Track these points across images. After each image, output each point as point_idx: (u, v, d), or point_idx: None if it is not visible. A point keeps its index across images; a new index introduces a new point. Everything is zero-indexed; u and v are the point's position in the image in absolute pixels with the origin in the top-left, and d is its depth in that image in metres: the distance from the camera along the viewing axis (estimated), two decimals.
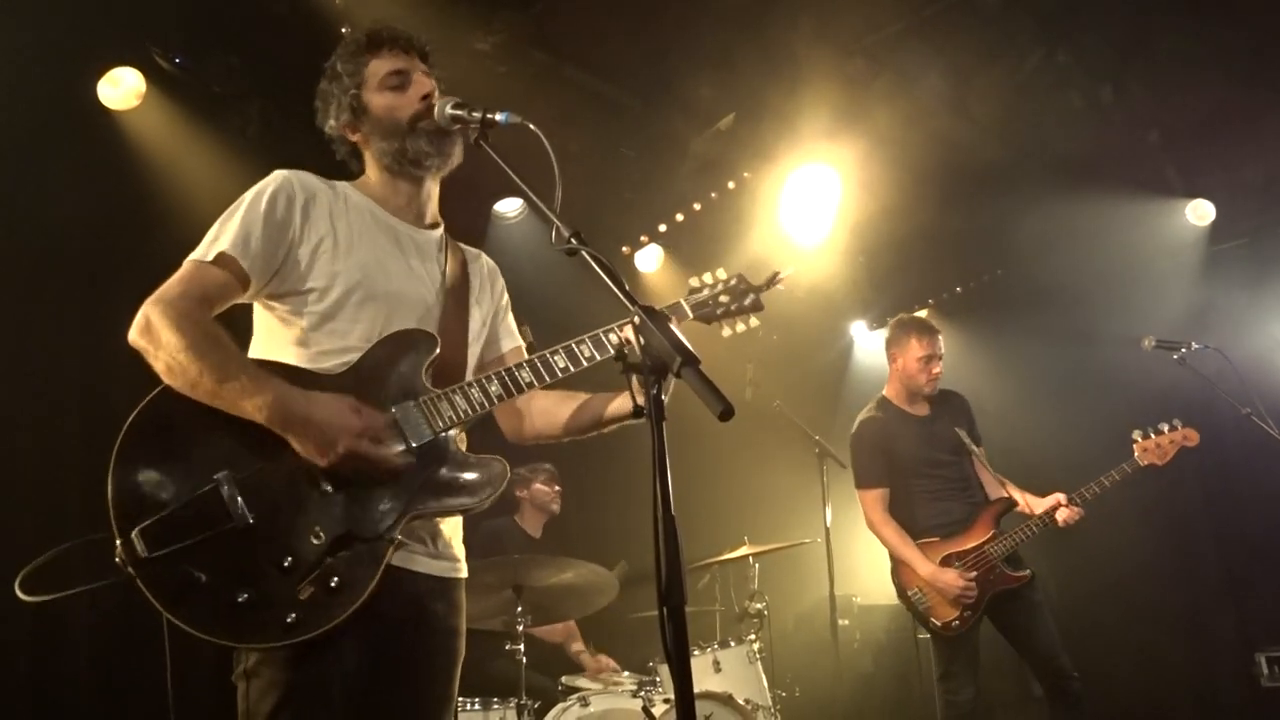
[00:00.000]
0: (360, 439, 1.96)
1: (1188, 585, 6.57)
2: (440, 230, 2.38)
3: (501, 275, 2.56)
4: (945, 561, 4.50)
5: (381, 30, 2.31)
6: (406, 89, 2.26)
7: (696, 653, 4.60)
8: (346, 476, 1.98)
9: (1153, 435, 4.55)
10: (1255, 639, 6.21)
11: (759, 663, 4.77)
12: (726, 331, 2.55)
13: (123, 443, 1.90)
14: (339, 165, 2.38)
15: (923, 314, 8.06)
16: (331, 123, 2.33)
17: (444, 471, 2.11)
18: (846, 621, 6.50)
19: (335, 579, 1.92)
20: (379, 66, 2.28)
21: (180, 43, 4.73)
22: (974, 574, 4.44)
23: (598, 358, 2.25)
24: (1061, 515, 4.49)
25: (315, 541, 1.93)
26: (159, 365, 1.97)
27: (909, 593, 4.57)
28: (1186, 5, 5.22)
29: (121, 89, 4.66)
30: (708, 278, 2.52)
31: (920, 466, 4.70)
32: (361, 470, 1.98)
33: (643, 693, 4.32)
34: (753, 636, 4.88)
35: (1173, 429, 4.54)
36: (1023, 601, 4.51)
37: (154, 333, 1.98)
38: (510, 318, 2.54)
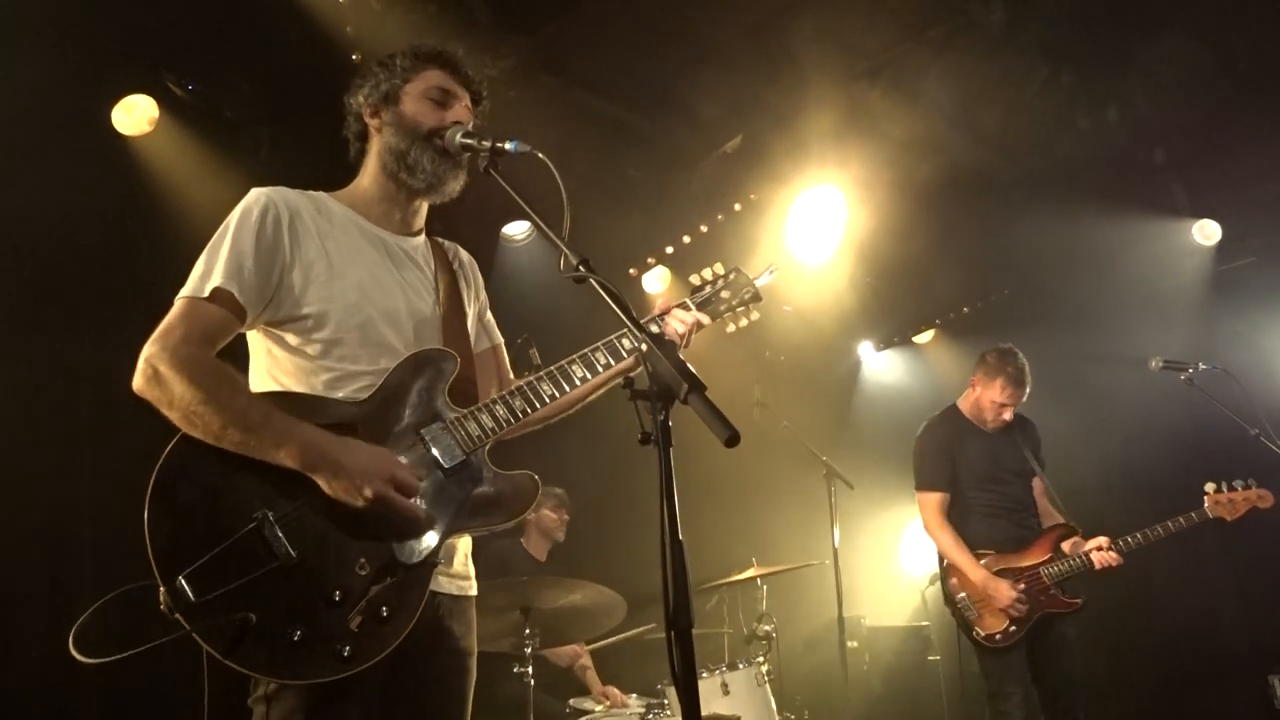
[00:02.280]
0: (386, 485, 1.95)
1: (1201, 608, 6.53)
2: (423, 237, 2.39)
3: (482, 276, 2.57)
4: (999, 575, 4.53)
5: (454, 54, 2.36)
6: (444, 109, 2.29)
7: (704, 675, 4.59)
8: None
9: (1225, 490, 4.52)
10: (1269, 662, 6.16)
11: (767, 685, 4.76)
12: (731, 327, 2.59)
13: (155, 488, 1.87)
14: (348, 183, 2.38)
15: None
16: (360, 98, 2.35)
17: (478, 490, 2.12)
18: (855, 643, 6.47)
19: (385, 608, 1.93)
20: (433, 77, 2.32)
21: (192, 69, 4.78)
22: (1024, 588, 4.47)
23: (613, 364, 2.28)
24: (1097, 558, 4.48)
25: (361, 572, 1.94)
26: (174, 416, 1.94)
27: (957, 599, 4.59)
28: (1192, 26, 5.25)
29: (135, 115, 4.72)
30: (707, 273, 2.56)
31: (981, 481, 4.74)
32: (385, 516, 1.97)
33: (650, 716, 4.31)
34: (761, 658, 4.87)
35: (1247, 486, 4.53)
36: (1057, 635, 4.52)
37: (165, 384, 1.94)
38: (490, 314, 2.55)
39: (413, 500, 1.99)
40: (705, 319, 2.49)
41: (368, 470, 1.94)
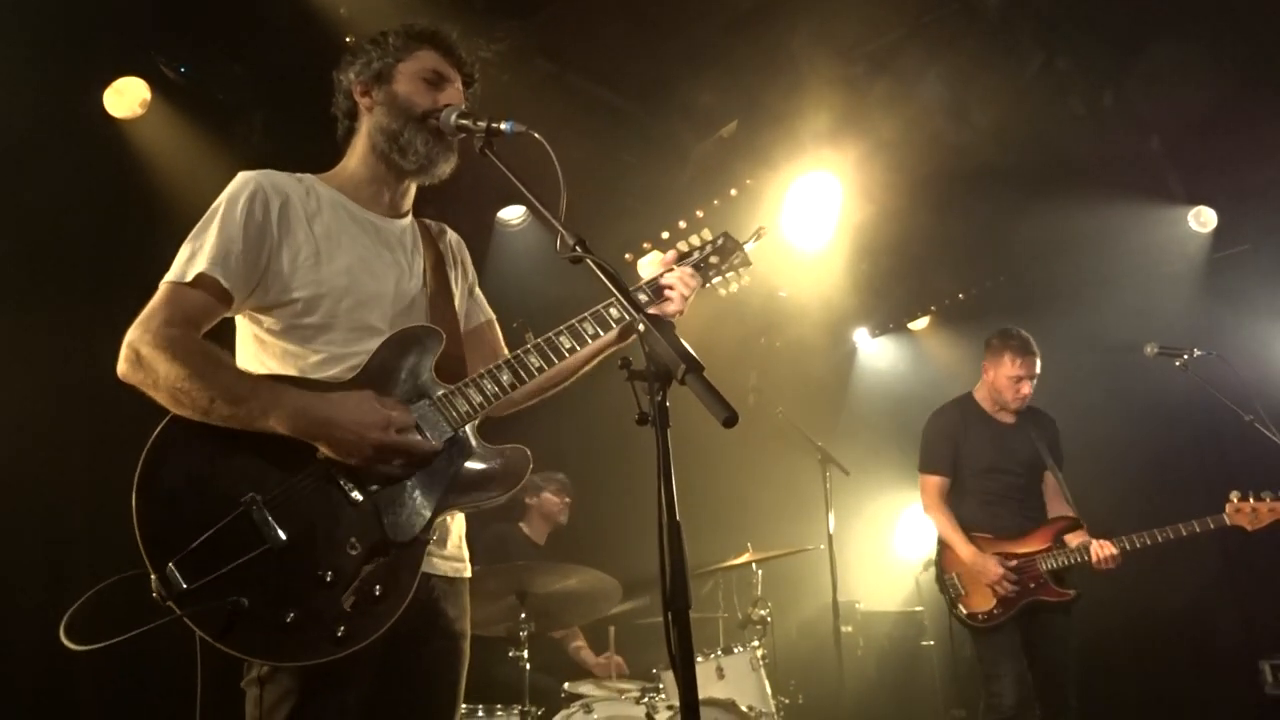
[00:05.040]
0: (388, 430, 1.95)
1: (1191, 593, 6.55)
2: (410, 218, 2.38)
3: (468, 250, 2.56)
4: (992, 556, 4.56)
5: (448, 35, 2.34)
6: (438, 90, 2.27)
7: (700, 659, 4.60)
8: (375, 481, 1.98)
9: (1251, 500, 4.45)
10: (1259, 647, 6.19)
11: (762, 669, 4.77)
12: (722, 291, 2.60)
13: (142, 475, 1.85)
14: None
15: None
16: (351, 75, 2.32)
17: (468, 466, 2.11)
18: (850, 628, 6.50)
19: (378, 587, 1.92)
20: (428, 58, 2.29)
21: (185, 51, 4.75)
22: (1015, 564, 4.50)
23: (601, 334, 2.26)
24: (1096, 553, 4.47)
25: (352, 552, 1.93)
26: (161, 397, 1.93)
27: (946, 577, 4.68)
28: (1187, 11, 5.24)
29: (126, 97, 4.69)
30: (695, 239, 2.57)
31: (984, 469, 4.77)
32: (394, 462, 1.97)
33: (645, 699, 4.31)
34: (756, 643, 4.88)
35: (1276, 498, 4.45)
36: (1051, 624, 4.56)
37: (148, 366, 1.93)
38: (479, 290, 2.54)
39: (415, 438, 1.99)
40: (698, 281, 2.48)
41: (364, 420, 1.94)
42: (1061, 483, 4.83)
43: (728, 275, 2.57)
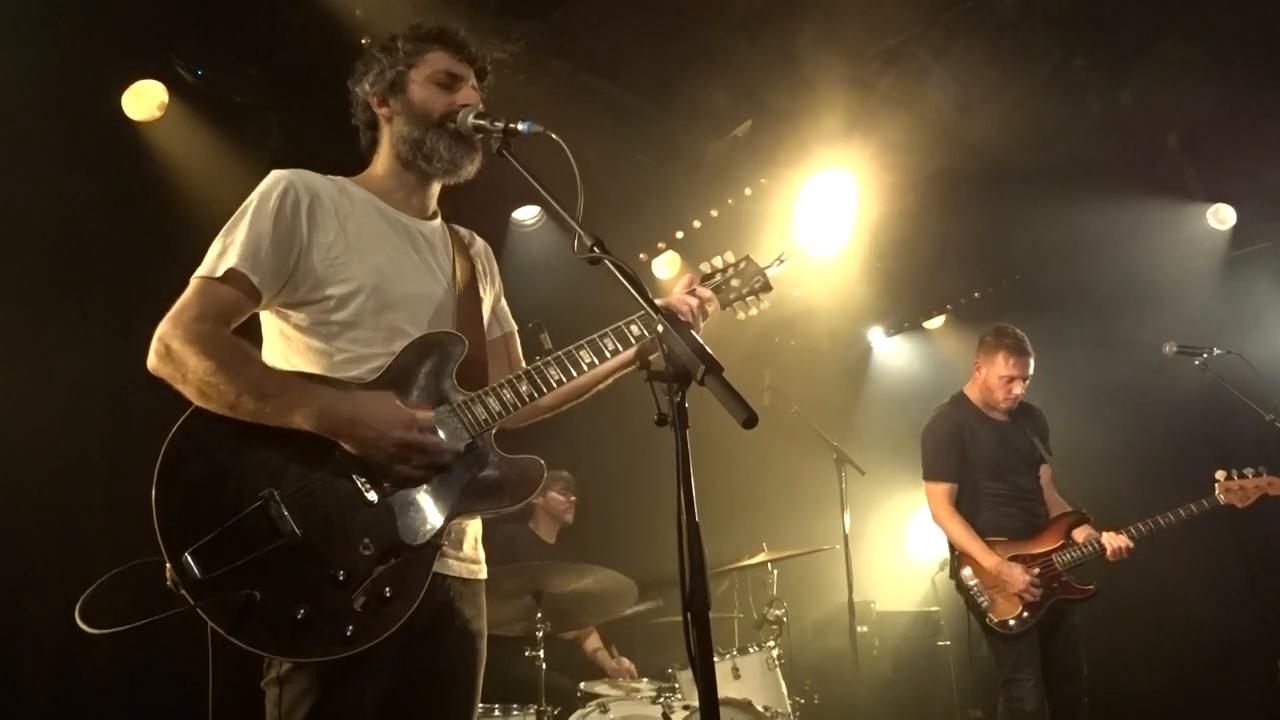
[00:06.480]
0: (410, 429, 1.97)
1: (1210, 595, 6.51)
2: (439, 220, 2.39)
3: (497, 260, 2.56)
4: (1012, 561, 4.49)
5: (455, 31, 2.33)
6: (453, 92, 2.27)
7: (715, 659, 4.57)
8: (392, 483, 1.98)
9: (1237, 477, 4.52)
10: (1277, 648, 6.14)
11: (778, 669, 4.76)
12: (741, 315, 2.58)
13: (163, 465, 1.87)
14: (358, 169, 2.37)
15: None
16: (365, 87, 2.32)
17: (484, 474, 2.12)
18: (865, 628, 6.48)
19: (388, 588, 1.93)
20: (438, 60, 2.29)
21: (202, 55, 4.78)
22: (1037, 572, 4.45)
23: (620, 350, 2.26)
24: (1109, 544, 4.45)
25: (365, 552, 1.94)
26: (189, 390, 1.95)
27: (970, 587, 4.54)
28: (1204, 9, 5.20)
29: (144, 100, 4.72)
30: (717, 261, 2.55)
31: (992, 470, 4.69)
32: (413, 462, 1.98)
33: (662, 699, 4.32)
34: (771, 643, 4.87)
35: (1258, 474, 4.54)
36: (1064, 621, 4.51)
37: (178, 359, 1.96)
38: (504, 302, 2.55)
39: (437, 439, 2.00)
40: (716, 304, 2.48)
41: (388, 420, 1.96)
42: (1056, 476, 4.79)
43: (748, 300, 2.55)
